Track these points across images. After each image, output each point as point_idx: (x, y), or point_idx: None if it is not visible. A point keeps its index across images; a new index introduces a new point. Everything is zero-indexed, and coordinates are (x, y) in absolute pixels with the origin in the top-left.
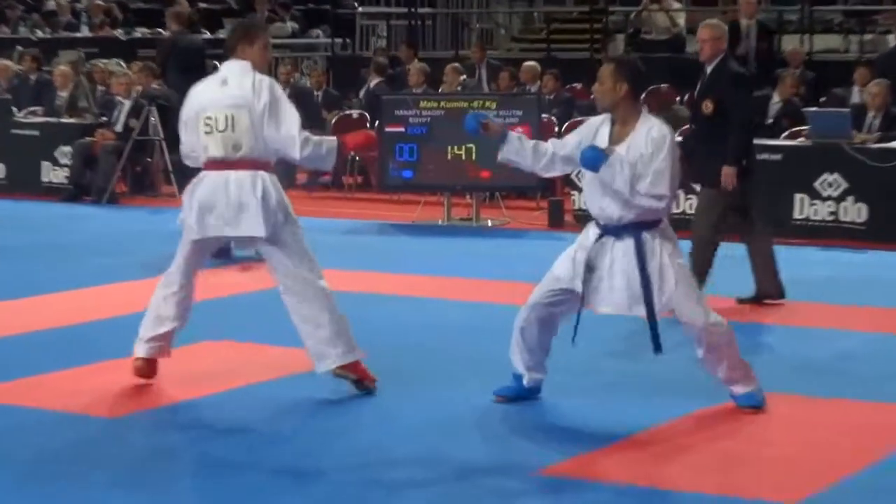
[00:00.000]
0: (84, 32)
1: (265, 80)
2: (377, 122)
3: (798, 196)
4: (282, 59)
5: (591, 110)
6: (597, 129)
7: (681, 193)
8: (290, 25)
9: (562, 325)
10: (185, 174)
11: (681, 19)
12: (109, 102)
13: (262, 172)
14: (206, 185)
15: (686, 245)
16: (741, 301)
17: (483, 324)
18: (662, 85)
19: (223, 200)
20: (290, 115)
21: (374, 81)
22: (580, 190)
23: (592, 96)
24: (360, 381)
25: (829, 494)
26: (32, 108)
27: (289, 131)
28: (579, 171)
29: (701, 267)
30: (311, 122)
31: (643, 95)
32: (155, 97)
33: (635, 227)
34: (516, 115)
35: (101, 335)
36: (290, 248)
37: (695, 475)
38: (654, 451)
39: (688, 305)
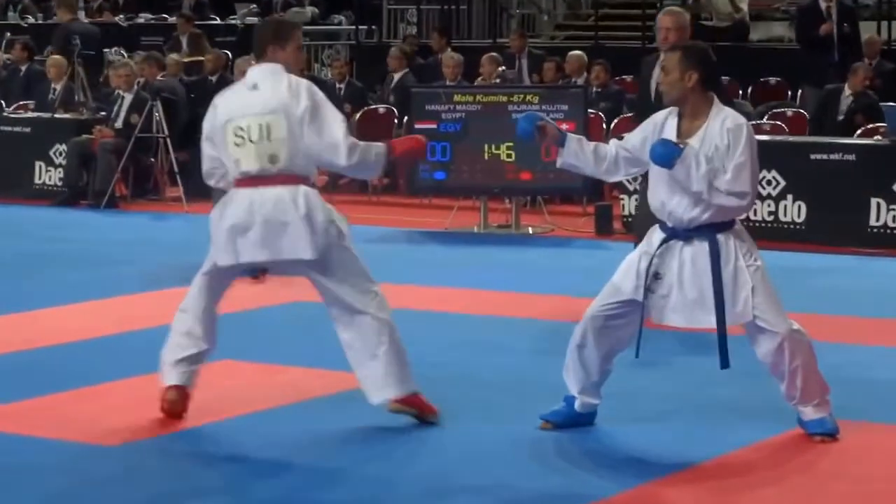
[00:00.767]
0: (81, 18)
1: (303, 83)
2: (406, 118)
3: (874, 201)
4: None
5: None
6: (662, 124)
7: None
8: (310, 10)
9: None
10: (193, 175)
11: (744, 4)
12: (108, 96)
13: (303, 187)
14: (237, 203)
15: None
16: None
17: (522, 343)
18: (724, 77)
19: (260, 220)
20: (334, 120)
21: (399, 73)
22: (630, 193)
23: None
24: (421, 414)
25: None
26: (23, 103)
27: (333, 137)
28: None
29: None
30: None
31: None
32: (159, 90)
33: (708, 229)
34: (561, 110)
35: (96, 355)
36: (337, 273)
37: None
38: (719, 484)
39: (770, 311)
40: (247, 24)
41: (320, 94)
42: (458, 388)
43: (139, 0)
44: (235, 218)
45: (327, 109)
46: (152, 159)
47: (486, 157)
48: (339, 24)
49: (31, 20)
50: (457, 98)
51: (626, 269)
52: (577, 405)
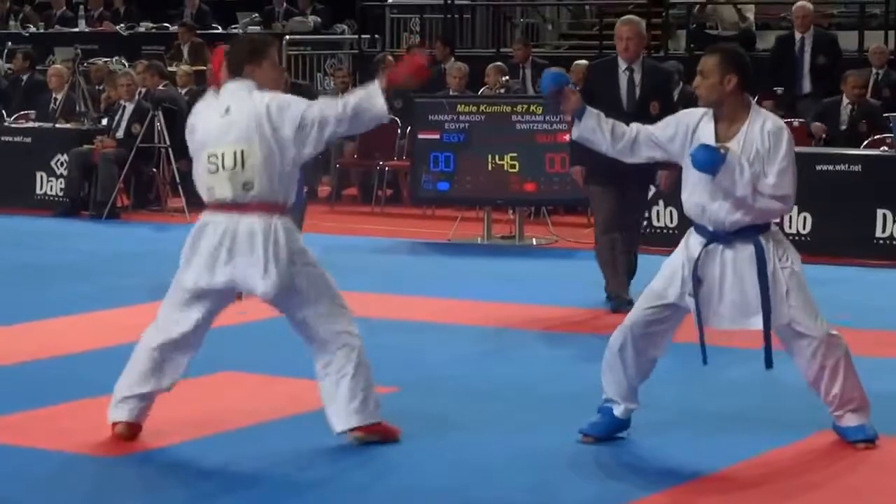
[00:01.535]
0: (81, 27)
1: (265, 94)
2: (409, 129)
3: (881, 212)
4: (302, 56)
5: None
6: (696, 126)
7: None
8: (312, 20)
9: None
10: (195, 185)
11: (750, 13)
12: (110, 106)
13: (275, 220)
14: (210, 233)
15: None
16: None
17: (525, 354)
18: None
19: (229, 248)
20: (301, 100)
21: None
22: None
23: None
24: (384, 440)
25: None
26: (24, 113)
27: (301, 105)
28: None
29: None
30: None
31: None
32: (161, 100)
33: (750, 231)
34: (565, 120)
35: (98, 366)
36: (303, 296)
37: None
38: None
39: (807, 314)
40: (249, 34)
41: (285, 95)
42: (460, 399)
43: (140, 9)
44: (210, 246)
45: (290, 97)
46: (154, 169)
47: (489, 167)
48: (342, 33)
49: (32, 29)
50: (460, 108)
51: (669, 276)
52: (618, 412)
